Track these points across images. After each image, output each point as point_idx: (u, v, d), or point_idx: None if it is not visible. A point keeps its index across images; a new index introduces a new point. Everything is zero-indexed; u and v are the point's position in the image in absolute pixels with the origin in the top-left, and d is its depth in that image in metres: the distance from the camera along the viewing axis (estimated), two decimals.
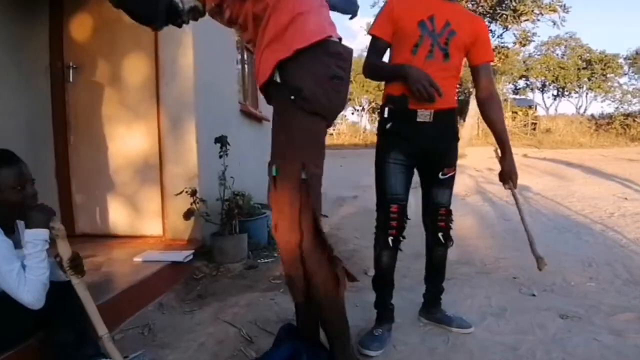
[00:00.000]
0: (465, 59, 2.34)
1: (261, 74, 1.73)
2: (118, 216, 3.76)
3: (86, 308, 1.71)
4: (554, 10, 15.37)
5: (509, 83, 33.68)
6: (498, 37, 18.30)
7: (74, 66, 3.67)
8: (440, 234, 2.42)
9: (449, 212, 2.42)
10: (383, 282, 2.44)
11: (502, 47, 18.35)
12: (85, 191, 3.81)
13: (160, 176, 3.55)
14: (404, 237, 2.38)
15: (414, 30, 2.22)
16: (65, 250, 1.72)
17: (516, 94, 35.42)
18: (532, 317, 2.62)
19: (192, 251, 3.21)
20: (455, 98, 2.35)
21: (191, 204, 3.29)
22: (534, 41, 18.84)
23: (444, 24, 2.22)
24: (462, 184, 8.65)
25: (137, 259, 3.04)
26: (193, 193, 3.27)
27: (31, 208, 1.70)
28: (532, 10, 15.40)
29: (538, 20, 16.16)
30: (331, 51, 1.69)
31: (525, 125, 27.12)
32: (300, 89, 1.66)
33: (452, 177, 2.38)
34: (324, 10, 1.79)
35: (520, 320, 2.58)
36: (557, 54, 34.56)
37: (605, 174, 9.80)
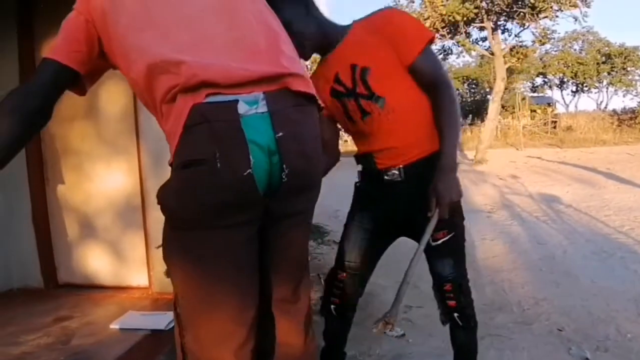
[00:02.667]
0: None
1: None
2: (101, 265, 3.33)
3: None
4: (575, 6, 14.64)
5: (526, 81, 32.91)
6: (515, 36, 17.68)
7: None
8: (455, 314, 1.84)
9: (457, 287, 1.81)
10: (331, 357, 2.01)
11: (521, 46, 17.67)
12: (65, 237, 3.38)
13: (143, 221, 3.09)
14: (353, 309, 1.97)
15: (332, 103, 1.80)
16: None
17: (534, 91, 34.61)
18: None
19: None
20: (432, 134, 1.71)
21: None
22: (553, 38, 18.16)
23: (350, 69, 1.70)
24: (485, 195, 8.14)
25: (114, 326, 2.59)
26: None
27: None
28: (551, 7, 14.70)
29: (557, 17, 15.47)
30: (192, 123, 1.06)
31: (545, 123, 26.33)
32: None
33: (452, 241, 1.77)
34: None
35: None
36: (575, 49, 33.65)
37: (637, 179, 9.15)
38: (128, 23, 1.19)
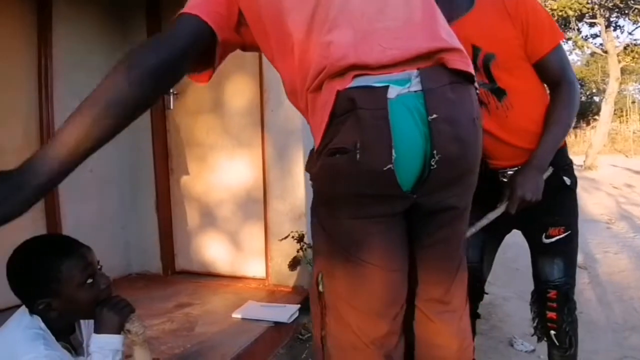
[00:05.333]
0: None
1: None
2: (219, 254, 3.42)
3: None
4: None
5: (637, 82, 30.48)
6: (629, 33, 16.35)
7: (175, 92, 3.38)
8: (552, 332, 1.65)
9: (563, 296, 1.63)
10: None
11: (635, 44, 16.34)
12: (185, 226, 3.52)
13: (264, 213, 3.13)
14: (476, 315, 1.78)
15: None
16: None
17: None
18: None
19: (299, 306, 2.75)
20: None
21: (297, 251, 2.83)
22: None
23: (471, 51, 1.52)
24: (601, 204, 7.59)
25: (236, 316, 2.63)
26: (300, 239, 2.80)
27: (102, 305, 1.27)
28: None
29: None
30: (340, 112, 1.00)
31: None
32: None
33: (567, 240, 1.61)
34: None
35: None
36: None
37: None
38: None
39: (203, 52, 1.12)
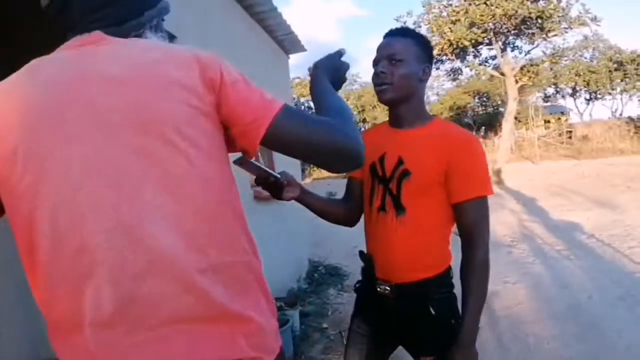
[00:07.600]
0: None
1: None
2: None
3: None
4: (584, 24, 14.61)
5: (538, 92, 32.60)
6: (526, 53, 17.64)
7: None
8: None
9: None
10: None
11: (532, 65, 17.59)
12: None
13: None
14: None
15: (367, 176, 1.72)
16: None
17: (546, 101, 34.23)
18: None
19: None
20: (438, 262, 1.64)
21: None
22: (566, 57, 17.97)
23: (396, 163, 1.62)
24: (504, 224, 8.01)
25: None
26: None
27: None
28: (560, 26, 14.67)
29: (566, 32, 15.40)
30: None
31: (560, 134, 26.03)
32: None
33: None
34: None
35: None
36: (586, 58, 33.12)
37: None
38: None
39: None
